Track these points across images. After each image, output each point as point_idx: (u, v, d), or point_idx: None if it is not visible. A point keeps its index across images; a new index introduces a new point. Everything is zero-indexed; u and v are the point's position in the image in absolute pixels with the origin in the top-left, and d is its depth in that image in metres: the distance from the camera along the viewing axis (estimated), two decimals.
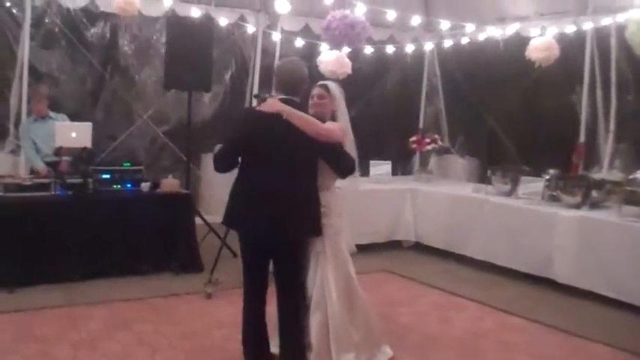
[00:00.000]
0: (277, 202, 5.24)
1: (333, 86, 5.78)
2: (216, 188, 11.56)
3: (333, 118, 5.68)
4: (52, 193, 8.10)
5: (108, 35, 11.21)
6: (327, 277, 5.61)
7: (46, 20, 10.52)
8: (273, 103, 5.31)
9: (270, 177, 5.26)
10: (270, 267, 5.56)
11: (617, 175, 9.38)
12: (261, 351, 5.71)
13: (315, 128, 5.24)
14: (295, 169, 5.30)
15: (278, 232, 5.29)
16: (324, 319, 5.58)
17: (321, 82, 5.87)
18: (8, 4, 10.13)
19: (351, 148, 5.73)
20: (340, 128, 5.54)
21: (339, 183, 5.79)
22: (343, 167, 5.55)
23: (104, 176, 8.48)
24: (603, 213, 8.38)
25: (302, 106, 5.46)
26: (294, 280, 5.52)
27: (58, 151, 8.25)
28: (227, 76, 12.30)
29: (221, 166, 5.53)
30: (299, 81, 5.50)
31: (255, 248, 5.52)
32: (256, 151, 5.34)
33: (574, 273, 8.24)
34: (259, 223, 5.30)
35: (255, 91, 11.63)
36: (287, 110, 5.21)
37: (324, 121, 5.43)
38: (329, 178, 5.60)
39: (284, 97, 5.40)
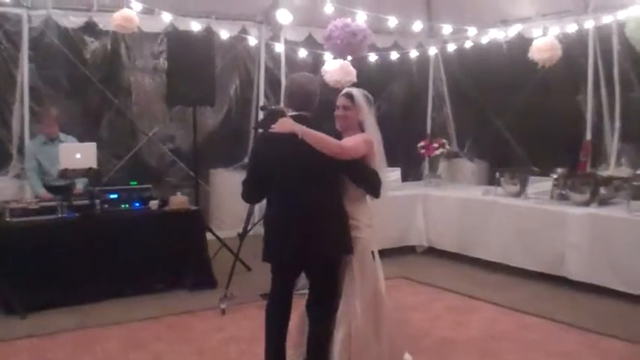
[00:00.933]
0: (306, 225, 5.18)
1: (358, 95, 5.50)
2: (227, 203, 11.61)
3: (362, 129, 5.51)
4: (60, 215, 8.05)
5: (108, 53, 11.13)
6: (354, 292, 5.44)
7: (45, 41, 10.44)
8: (286, 124, 5.16)
9: (296, 200, 5.21)
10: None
11: (624, 172, 9.39)
12: None
13: (330, 147, 5.10)
14: (319, 187, 5.21)
15: (310, 252, 5.23)
16: (347, 333, 5.45)
17: (346, 90, 5.62)
18: (6, 26, 10.08)
19: (380, 161, 5.59)
20: (364, 140, 5.37)
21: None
22: (367, 184, 5.41)
23: (112, 196, 8.46)
24: (612, 209, 8.38)
25: (314, 121, 5.31)
26: (327, 302, 5.46)
27: (64, 173, 8.19)
28: (232, 90, 12.25)
29: (249, 197, 5.62)
30: (310, 96, 5.40)
31: (288, 267, 5.50)
32: (276, 176, 5.28)
33: (586, 270, 8.23)
34: (292, 247, 5.24)
35: (261, 103, 11.63)
36: (301, 130, 5.05)
37: (349, 133, 5.39)
38: (356, 190, 5.44)
39: (295, 113, 5.34)
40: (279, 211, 5.29)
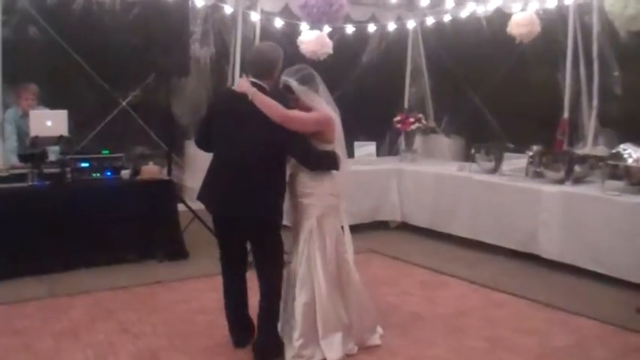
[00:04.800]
0: (233, 179, 5.34)
1: (294, 85, 5.51)
2: (200, 174, 11.50)
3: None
4: (30, 183, 7.97)
5: (82, 19, 10.80)
6: (314, 257, 5.54)
7: (18, 6, 10.20)
8: (242, 83, 5.41)
9: (231, 154, 5.37)
10: None
11: (601, 151, 9.38)
12: (245, 333, 5.78)
13: (275, 113, 5.24)
14: (255, 148, 5.29)
15: (232, 209, 5.42)
16: (310, 299, 5.51)
17: (283, 82, 5.58)
18: None
19: (339, 139, 5.68)
20: (317, 119, 5.47)
21: None
22: (303, 160, 5.52)
23: (83, 165, 8.38)
24: (586, 188, 8.39)
25: (274, 93, 5.42)
26: (264, 261, 5.58)
27: (34, 141, 8.09)
28: (207, 61, 12.12)
29: (199, 143, 5.82)
30: (268, 65, 5.50)
31: (220, 225, 5.72)
32: (221, 128, 5.47)
33: (558, 248, 8.26)
34: (217, 198, 5.51)
35: (237, 74, 11.55)
36: (253, 92, 5.26)
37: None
38: None
39: (253, 80, 5.43)
40: (215, 161, 5.56)
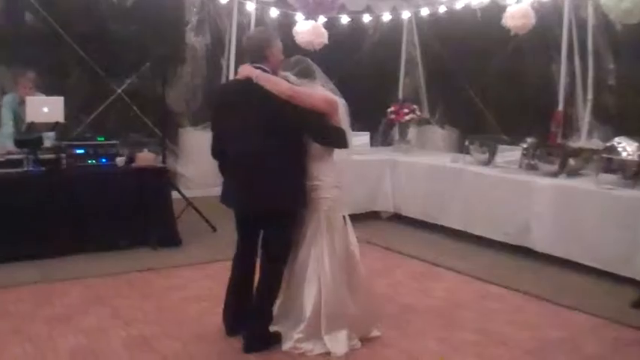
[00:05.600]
0: (250, 171, 5.32)
1: (293, 79, 5.46)
2: (195, 162, 11.53)
3: None
4: (25, 169, 8.00)
5: (79, 7, 10.83)
6: (322, 251, 5.50)
7: None
8: (244, 67, 5.40)
9: (245, 145, 5.32)
10: None
11: (595, 144, 9.40)
12: (236, 322, 5.75)
13: (282, 88, 5.21)
14: (270, 136, 5.25)
15: (251, 201, 5.38)
16: (316, 294, 5.49)
17: (282, 76, 5.52)
18: None
19: (346, 128, 5.61)
20: (324, 98, 5.42)
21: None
22: (318, 133, 5.43)
23: (78, 151, 8.39)
24: (580, 181, 8.37)
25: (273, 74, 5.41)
26: (272, 250, 5.56)
27: (30, 127, 8.12)
28: (203, 49, 12.11)
29: (213, 151, 5.72)
30: (259, 47, 5.47)
31: (240, 218, 5.69)
32: (231, 122, 5.42)
33: (551, 241, 8.25)
34: (236, 193, 5.45)
35: (232, 63, 11.56)
36: (256, 72, 5.25)
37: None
38: (319, 149, 5.47)
39: (254, 65, 5.40)
40: (231, 156, 5.46)
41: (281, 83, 5.24)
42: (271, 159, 5.27)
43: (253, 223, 5.63)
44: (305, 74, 5.53)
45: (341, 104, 5.58)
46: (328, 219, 5.53)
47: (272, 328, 5.64)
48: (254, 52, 5.48)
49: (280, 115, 5.22)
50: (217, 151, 5.65)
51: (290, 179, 5.38)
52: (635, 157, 7.80)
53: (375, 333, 5.92)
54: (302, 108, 5.24)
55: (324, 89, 5.59)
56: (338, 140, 5.46)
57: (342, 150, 5.61)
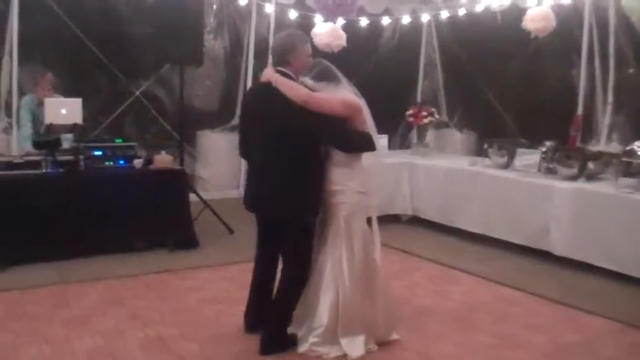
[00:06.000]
0: (261, 177, 5.40)
1: (310, 83, 5.42)
2: (212, 165, 11.53)
3: None
4: (44, 170, 8.00)
5: (98, 9, 10.82)
6: (341, 256, 5.47)
7: None
8: (266, 71, 5.42)
9: (259, 150, 5.38)
10: None
11: (614, 147, 9.34)
12: (256, 320, 5.77)
13: (297, 93, 5.17)
14: (283, 142, 5.24)
15: (261, 206, 5.49)
16: (333, 300, 5.45)
17: (300, 81, 5.48)
18: None
19: (372, 130, 5.60)
20: (343, 101, 5.37)
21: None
22: (339, 141, 5.40)
23: (96, 153, 8.41)
24: (600, 185, 8.30)
25: (294, 79, 5.40)
26: (288, 255, 5.57)
27: (49, 128, 8.14)
28: (221, 52, 12.13)
29: (240, 150, 5.83)
30: (281, 51, 5.45)
31: (259, 222, 5.77)
32: (251, 125, 5.51)
33: (570, 245, 8.18)
34: (250, 197, 5.55)
35: (250, 65, 11.58)
36: (275, 77, 5.25)
37: None
38: (341, 155, 5.43)
39: (277, 68, 5.40)
40: (252, 161, 5.59)
41: (297, 88, 5.21)
42: (282, 165, 5.27)
43: (270, 227, 5.66)
44: (323, 77, 5.48)
45: (364, 106, 5.54)
46: (348, 224, 5.48)
47: (288, 331, 5.63)
48: (277, 55, 5.50)
49: (294, 121, 5.18)
50: (244, 152, 5.74)
51: (300, 186, 5.35)
52: None
53: (395, 337, 5.87)
54: (318, 114, 5.18)
55: (348, 92, 5.54)
56: (361, 145, 5.44)
57: (371, 153, 5.59)
